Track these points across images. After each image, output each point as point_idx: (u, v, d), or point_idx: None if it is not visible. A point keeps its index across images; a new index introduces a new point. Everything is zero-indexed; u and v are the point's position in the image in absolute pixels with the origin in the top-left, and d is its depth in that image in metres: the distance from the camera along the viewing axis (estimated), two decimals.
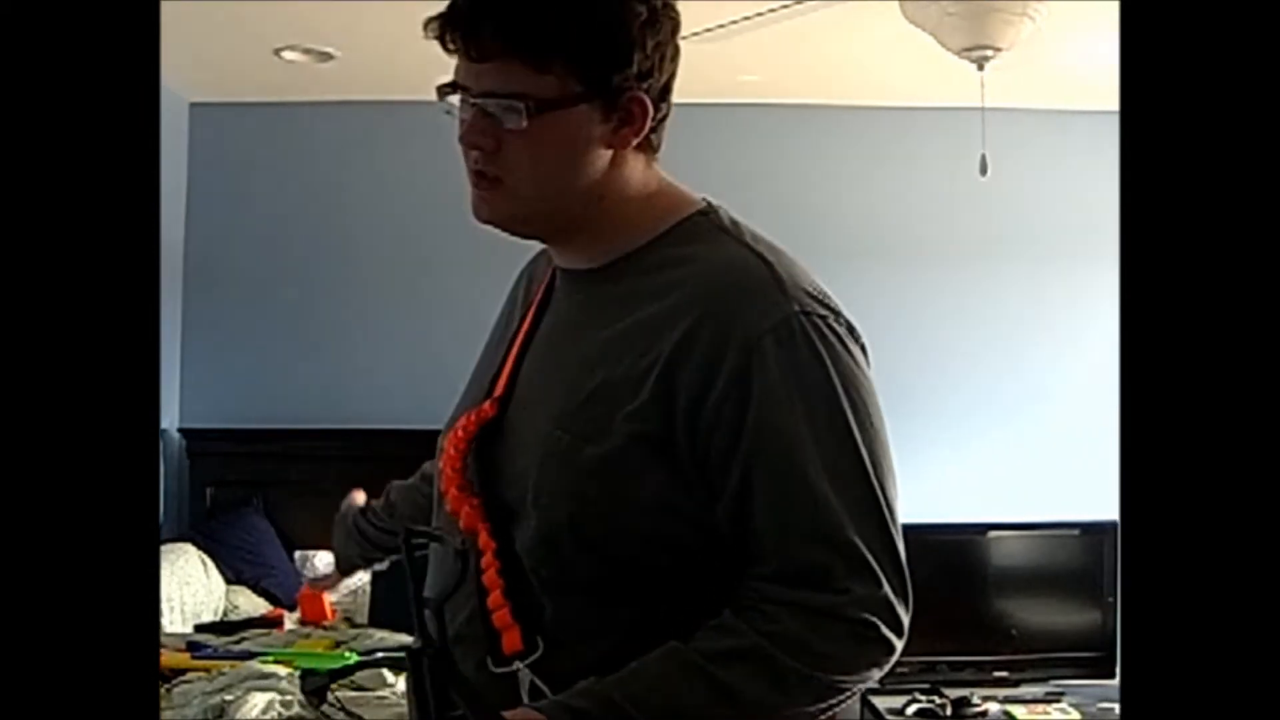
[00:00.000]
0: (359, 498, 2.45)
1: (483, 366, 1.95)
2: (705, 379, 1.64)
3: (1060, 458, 6.60)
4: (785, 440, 1.64)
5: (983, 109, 5.04)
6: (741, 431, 1.63)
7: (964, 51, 4.54)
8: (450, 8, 1.70)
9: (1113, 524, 6.16)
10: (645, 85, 1.73)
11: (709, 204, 1.85)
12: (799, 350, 1.66)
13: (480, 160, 1.73)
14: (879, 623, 1.62)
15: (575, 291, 1.84)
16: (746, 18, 4.71)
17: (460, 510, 1.74)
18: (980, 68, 4.58)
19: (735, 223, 1.82)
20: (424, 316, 6.63)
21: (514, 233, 1.82)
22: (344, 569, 2.57)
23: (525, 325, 1.88)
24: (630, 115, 1.73)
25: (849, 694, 1.65)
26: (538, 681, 1.64)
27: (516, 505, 1.71)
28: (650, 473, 1.66)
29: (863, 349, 1.77)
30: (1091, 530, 6.20)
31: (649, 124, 1.76)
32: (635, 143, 1.76)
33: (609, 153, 1.75)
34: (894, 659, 1.67)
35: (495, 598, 1.68)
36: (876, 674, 1.65)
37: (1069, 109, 6.65)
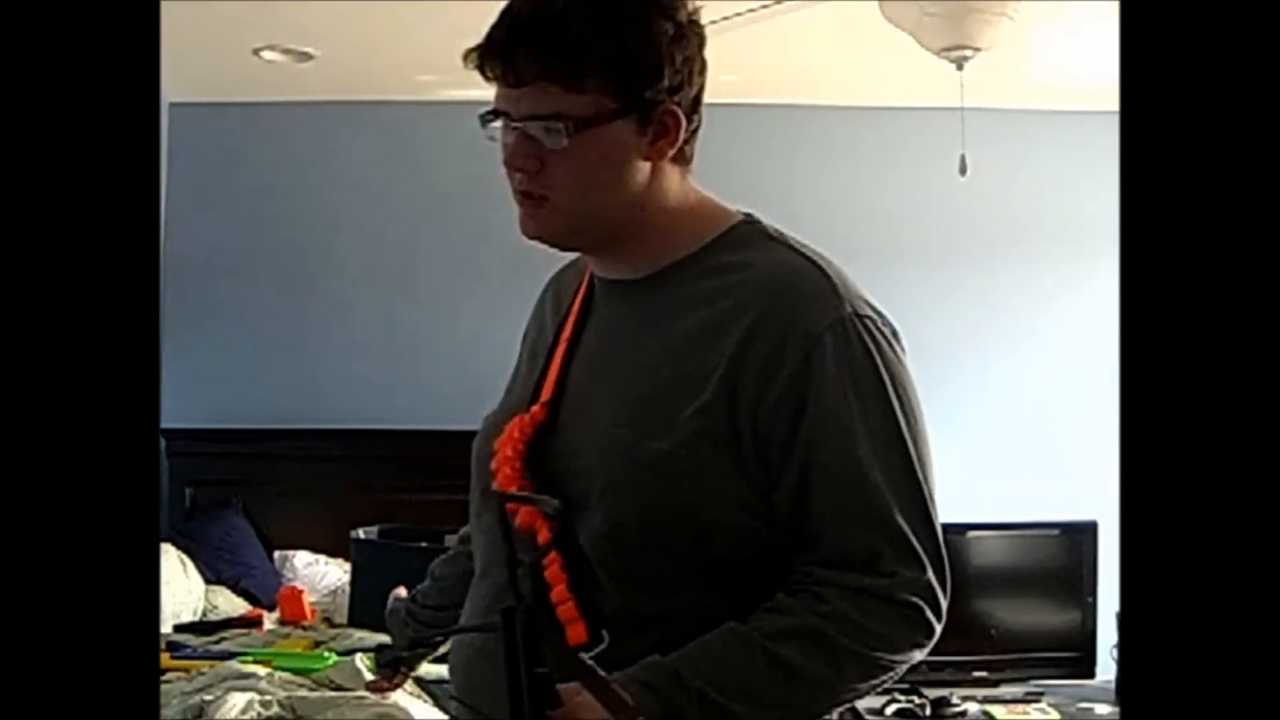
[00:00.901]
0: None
1: (521, 375, 2.06)
2: (768, 374, 1.76)
3: (1040, 458, 6.61)
4: (842, 432, 1.76)
5: (962, 109, 5.04)
6: (801, 423, 1.75)
7: (943, 51, 4.55)
8: (488, 38, 1.81)
9: (1092, 524, 6.17)
10: (677, 98, 1.84)
11: (751, 214, 1.97)
12: (853, 349, 1.78)
13: (525, 181, 1.83)
14: (924, 605, 1.74)
15: (620, 299, 1.95)
16: (725, 18, 4.71)
17: (518, 509, 1.80)
18: (959, 67, 4.58)
19: (780, 231, 1.95)
20: (403, 316, 6.63)
21: (561, 247, 1.93)
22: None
23: (566, 333, 1.97)
24: (665, 128, 1.84)
25: (893, 674, 1.77)
26: (600, 672, 1.65)
27: (580, 501, 1.78)
28: (714, 465, 1.76)
29: (904, 350, 1.90)
30: (1071, 530, 6.21)
31: (683, 135, 1.87)
32: (671, 154, 1.87)
33: (647, 165, 1.85)
34: (934, 642, 1.78)
35: (559, 591, 1.75)
36: (919, 655, 1.77)
37: (1048, 109, 6.66)
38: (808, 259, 1.88)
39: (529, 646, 1.54)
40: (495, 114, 1.85)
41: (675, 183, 1.91)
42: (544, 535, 1.78)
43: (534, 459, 1.86)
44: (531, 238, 1.88)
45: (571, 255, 2.09)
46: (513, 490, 1.83)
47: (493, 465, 1.89)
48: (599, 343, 1.94)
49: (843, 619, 1.71)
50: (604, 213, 1.86)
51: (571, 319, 1.99)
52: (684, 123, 1.86)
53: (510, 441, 1.88)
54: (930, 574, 1.76)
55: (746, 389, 1.76)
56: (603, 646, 1.67)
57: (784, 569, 1.79)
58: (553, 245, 1.91)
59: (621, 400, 1.84)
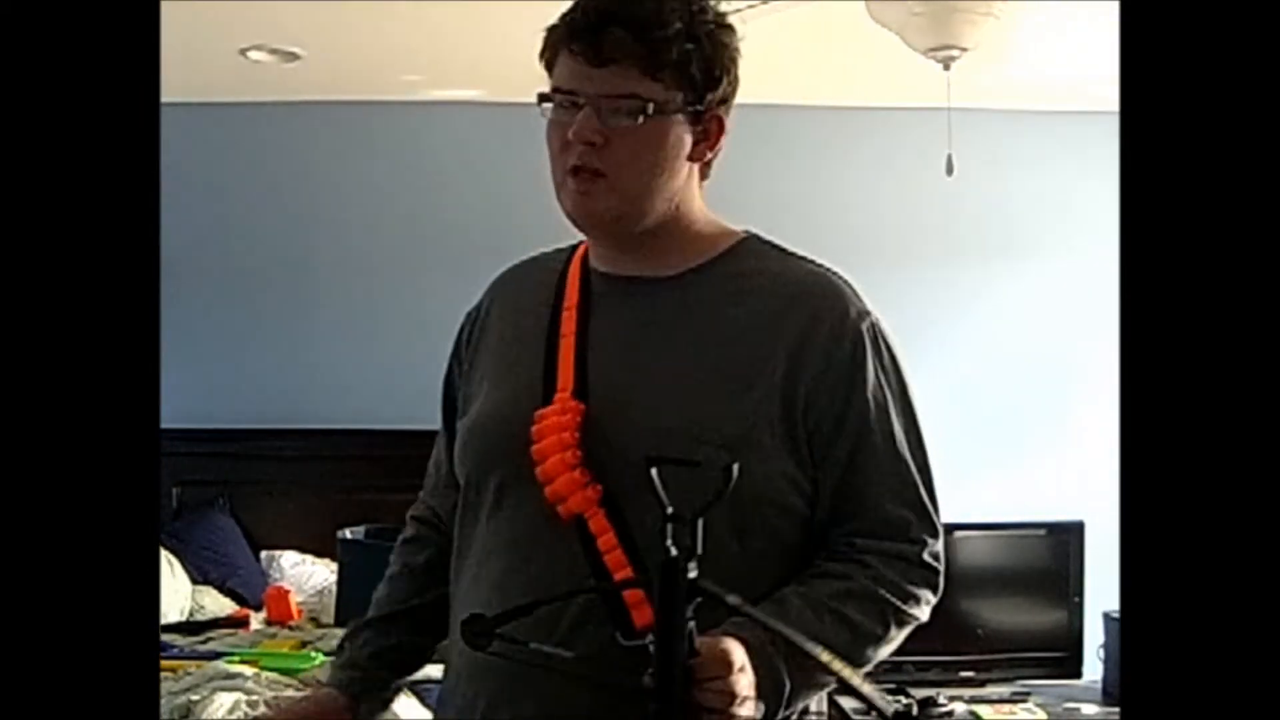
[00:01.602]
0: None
1: (503, 371, 2.12)
2: (823, 366, 1.96)
3: (1027, 458, 6.62)
4: (882, 416, 1.99)
5: (948, 109, 5.04)
6: (850, 407, 1.96)
7: (929, 51, 4.55)
8: (574, 19, 1.96)
9: (1079, 524, 6.19)
10: (724, 109, 2.04)
11: (750, 230, 2.16)
12: (881, 343, 2.02)
13: (586, 154, 1.94)
14: (938, 568, 2.00)
15: (642, 295, 2.06)
16: None
17: (570, 495, 1.90)
18: (946, 68, 4.58)
19: (782, 245, 2.15)
20: (391, 317, 6.60)
21: (605, 230, 2.04)
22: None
23: (570, 327, 2.05)
24: (709, 133, 2.03)
25: (915, 626, 1.99)
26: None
27: (635, 492, 1.78)
28: (773, 448, 1.93)
29: None
30: (1058, 530, 6.22)
31: (721, 144, 2.06)
32: (708, 158, 2.06)
33: (688, 166, 2.03)
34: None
35: (627, 575, 1.87)
36: (927, 612, 2.00)
37: (1036, 109, 6.67)
38: (823, 268, 2.09)
39: (689, 596, 1.60)
40: (559, 93, 1.98)
41: (699, 191, 2.09)
42: (599, 523, 1.89)
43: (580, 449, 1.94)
44: (580, 214, 2.00)
45: (517, 260, 2.26)
46: (564, 477, 1.91)
47: (536, 453, 1.94)
48: (625, 335, 2.04)
49: (888, 581, 1.93)
50: (651, 200, 2.00)
51: (570, 314, 2.06)
52: (724, 132, 2.04)
53: (555, 429, 1.94)
54: (940, 542, 2.01)
55: (805, 375, 1.95)
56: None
57: (817, 545, 1.99)
58: (598, 227, 2.03)
59: (671, 389, 1.97)
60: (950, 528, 6.45)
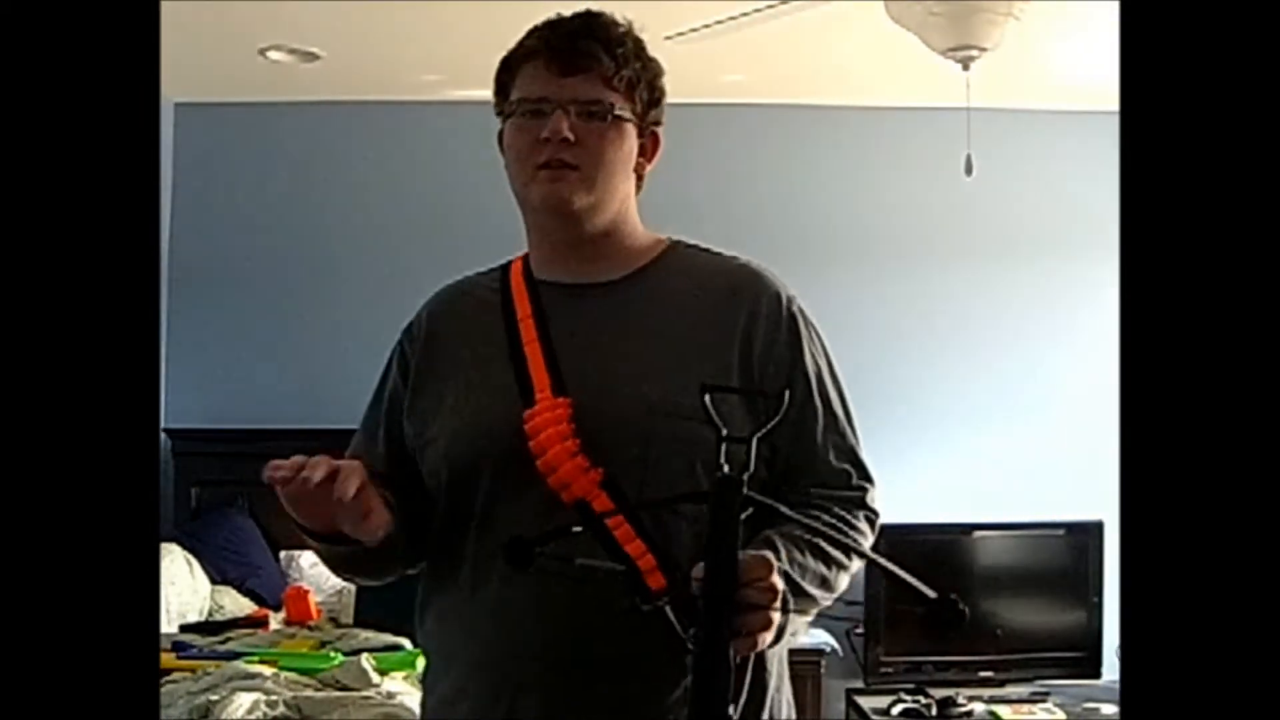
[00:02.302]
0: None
1: (465, 386, 2.22)
2: (769, 342, 2.17)
3: (1046, 458, 6.60)
4: (820, 383, 2.21)
5: (968, 109, 5.04)
6: (795, 377, 2.17)
7: (948, 51, 4.54)
8: (545, 37, 2.18)
9: (1098, 524, 6.18)
10: (659, 128, 2.28)
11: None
12: (808, 320, 2.24)
13: (559, 150, 2.12)
14: (878, 510, 2.23)
15: (590, 299, 2.22)
16: (731, 18, 4.71)
17: (574, 482, 2.05)
18: (965, 68, 4.58)
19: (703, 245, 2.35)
20: (408, 317, 6.58)
21: (573, 220, 2.18)
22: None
23: (531, 335, 2.19)
24: (646, 148, 2.25)
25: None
26: (670, 611, 1.97)
27: (631, 468, 2.06)
28: (738, 413, 2.01)
29: None
30: (1076, 530, 6.22)
31: (655, 160, 2.28)
32: (644, 171, 2.27)
33: (633, 177, 2.24)
34: None
35: (637, 546, 2.02)
36: (869, 544, 2.17)
37: (1055, 109, 6.65)
38: (747, 261, 2.30)
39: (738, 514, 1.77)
40: (529, 102, 2.17)
41: (635, 201, 2.28)
42: (603, 502, 2.04)
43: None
44: (553, 203, 2.16)
45: (443, 288, 2.45)
46: (566, 466, 2.05)
47: (535, 448, 2.07)
48: (585, 335, 2.19)
49: (847, 523, 2.16)
50: (613, 195, 2.20)
51: (527, 323, 2.21)
52: (659, 149, 2.28)
53: (551, 422, 2.08)
54: (876, 490, 2.24)
55: (755, 353, 2.16)
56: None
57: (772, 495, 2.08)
58: (564, 216, 2.17)
59: (643, 375, 2.13)
60: (969, 528, 6.48)
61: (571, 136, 2.13)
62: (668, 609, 1.96)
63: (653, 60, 2.24)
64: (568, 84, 2.15)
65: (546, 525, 2.00)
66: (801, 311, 2.24)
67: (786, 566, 1.99)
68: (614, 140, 2.17)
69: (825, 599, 2.11)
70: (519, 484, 2.09)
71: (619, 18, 2.22)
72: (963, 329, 6.76)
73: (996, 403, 6.70)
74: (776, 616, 1.89)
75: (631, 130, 2.19)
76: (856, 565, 2.16)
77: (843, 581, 2.14)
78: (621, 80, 2.17)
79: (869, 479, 2.24)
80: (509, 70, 2.22)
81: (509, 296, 2.27)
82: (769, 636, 1.90)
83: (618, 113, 2.16)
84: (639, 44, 2.22)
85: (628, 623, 1.98)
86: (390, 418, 2.34)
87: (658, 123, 2.27)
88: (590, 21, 2.20)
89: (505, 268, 2.34)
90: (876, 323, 6.61)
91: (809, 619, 2.19)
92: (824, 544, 2.08)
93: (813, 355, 2.22)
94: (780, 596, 1.90)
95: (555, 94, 2.15)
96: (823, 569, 2.08)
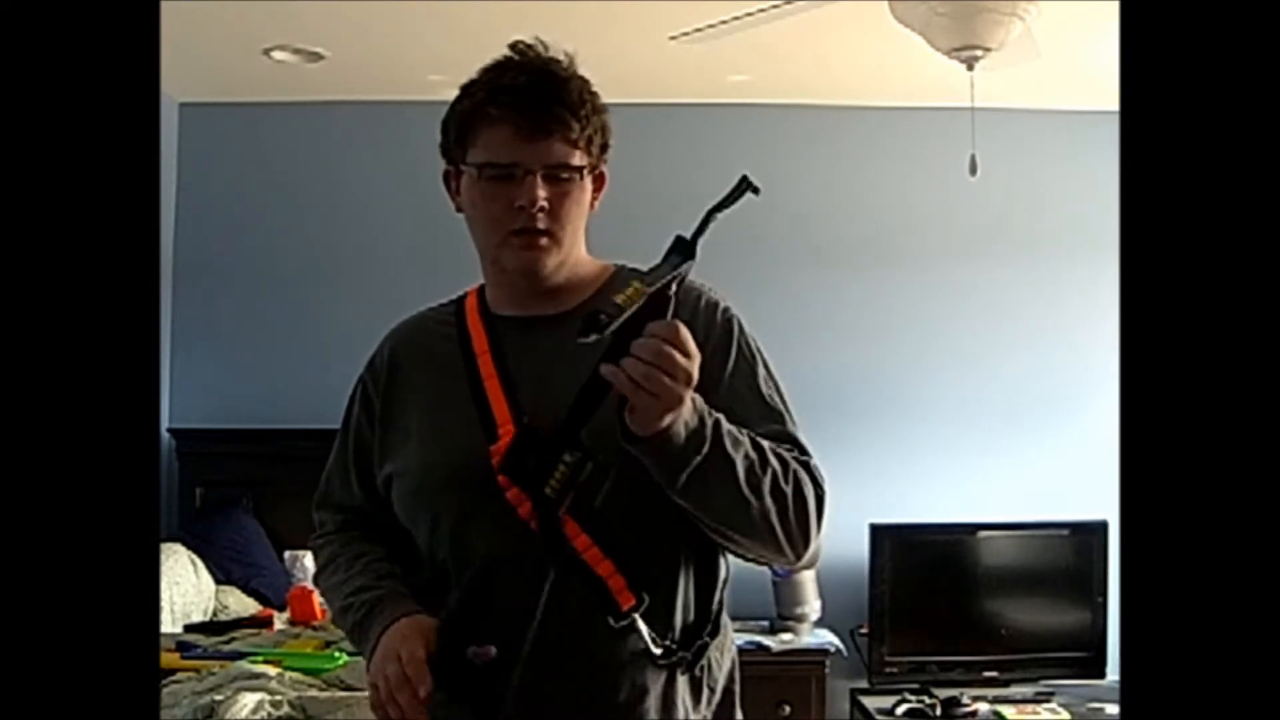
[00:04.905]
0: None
1: (438, 420, 2.33)
2: (709, 346, 2.18)
3: (1051, 458, 6.60)
4: (754, 375, 2.26)
5: (972, 109, 5.04)
6: (729, 371, 2.24)
7: (953, 51, 4.54)
8: (510, 95, 2.22)
9: (1102, 524, 6.18)
10: (605, 165, 2.34)
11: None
12: (741, 323, 2.31)
13: (535, 218, 2.21)
14: (823, 477, 2.19)
15: (544, 331, 2.30)
16: (736, 18, 4.71)
17: (523, 503, 2.14)
18: (969, 68, 4.58)
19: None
20: None
21: (544, 280, 2.28)
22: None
23: (489, 369, 2.29)
24: (597, 186, 2.33)
25: (810, 540, 2.16)
26: (642, 623, 2.16)
27: (596, 479, 2.09)
28: None
29: None
30: (1081, 530, 6.22)
31: (600, 194, 2.35)
32: (595, 206, 2.34)
33: (586, 215, 2.31)
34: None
35: (606, 566, 2.15)
36: (815, 533, 2.17)
37: (1059, 109, 6.65)
38: (689, 281, 2.33)
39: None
40: (500, 166, 2.22)
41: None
42: (569, 526, 2.13)
43: (542, 465, 2.14)
44: (530, 270, 2.26)
45: (400, 324, 2.55)
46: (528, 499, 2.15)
47: (502, 482, 2.16)
48: (540, 367, 2.27)
49: (806, 468, 2.16)
50: (573, 249, 2.29)
51: (485, 358, 2.31)
52: (605, 185, 2.35)
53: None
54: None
55: (706, 357, 2.10)
56: (647, 603, 2.16)
57: None
58: (539, 279, 2.27)
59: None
60: (974, 528, 6.48)
61: (546, 205, 2.21)
62: (640, 623, 2.14)
63: (601, 106, 2.30)
64: (538, 149, 2.21)
65: (523, 552, 2.14)
66: (735, 318, 2.32)
67: (711, 416, 2.05)
68: (578, 198, 2.26)
69: (749, 489, 2.07)
70: (490, 514, 2.18)
71: (567, 62, 2.28)
72: (969, 328, 6.76)
73: (1002, 402, 6.70)
74: (681, 361, 1.94)
75: (589, 180, 2.28)
76: (809, 487, 2.16)
77: (770, 485, 2.11)
78: (584, 139, 2.24)
79: (810, 456, 2.24)
80: (469, 125, 2.26)
81: (464, 331, 2.37)
82: (646, 400, 1.94)
83: (580, 172, 2.24)
84: (593, 95, 2.29)
85: (602, 633, 2.14)
86: (360, 460, 2.44)
87: (605, 161, 2.34)
88: (554, 83, 2.24)
89: (460, 302, 2.44)
90: (883, 322, 6.62)
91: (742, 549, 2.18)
92: (766, 445, 2.12)
93: (746, 353, 2.28)
94: (694, 426, 2.00)
95: (525, 159, 2.21)
96: (753, 454, 2.09)
